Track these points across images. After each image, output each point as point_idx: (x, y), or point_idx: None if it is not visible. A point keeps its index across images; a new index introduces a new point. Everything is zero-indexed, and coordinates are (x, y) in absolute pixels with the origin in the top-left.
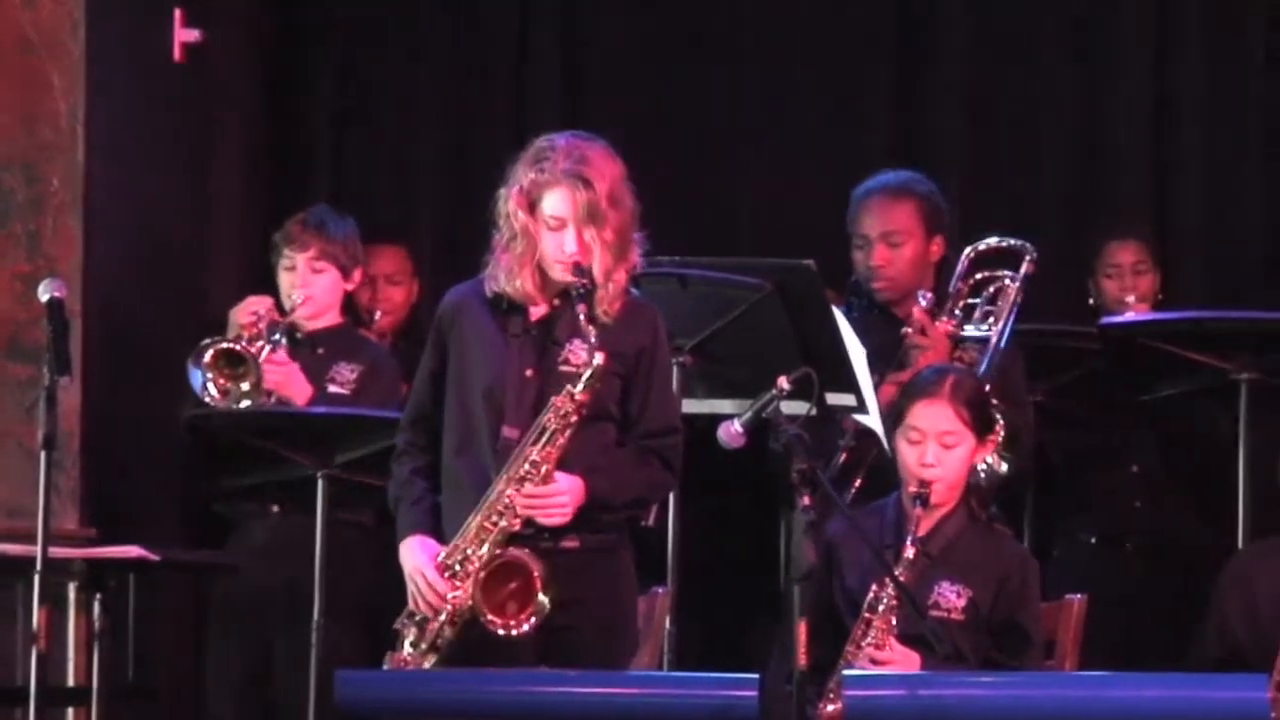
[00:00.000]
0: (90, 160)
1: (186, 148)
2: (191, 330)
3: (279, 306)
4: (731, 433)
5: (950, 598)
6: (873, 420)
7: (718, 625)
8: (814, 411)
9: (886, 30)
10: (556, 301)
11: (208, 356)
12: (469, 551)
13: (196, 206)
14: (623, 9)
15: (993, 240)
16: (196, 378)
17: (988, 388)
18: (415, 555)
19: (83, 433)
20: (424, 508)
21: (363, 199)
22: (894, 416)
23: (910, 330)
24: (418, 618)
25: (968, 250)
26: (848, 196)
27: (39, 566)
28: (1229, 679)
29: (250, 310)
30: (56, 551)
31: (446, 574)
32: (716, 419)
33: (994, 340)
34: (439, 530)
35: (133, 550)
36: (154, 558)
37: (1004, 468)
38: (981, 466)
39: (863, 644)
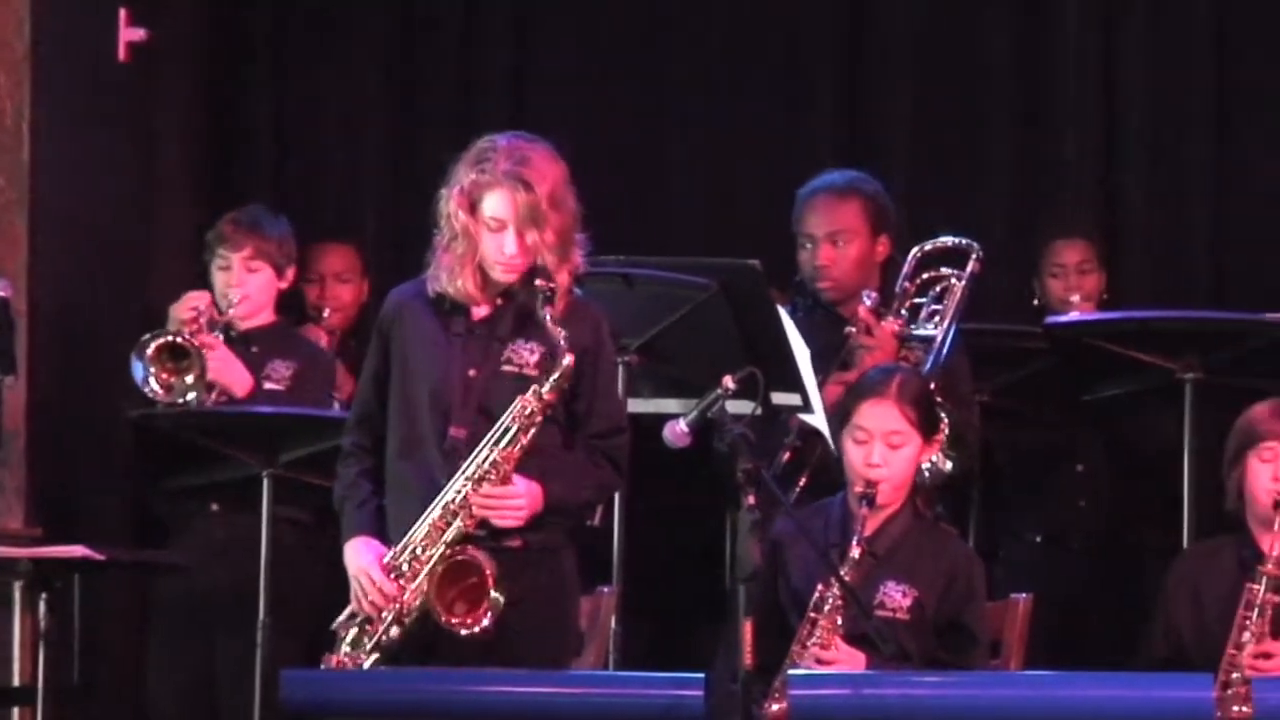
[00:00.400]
0: (35, 159)
1: (131, 146)
2: (136, 329)
3: (215, 305)
4: (677, 432)
5: (896, 597)
6: (818, 420)
7: (663, 625)
8: (759, 411)
9: (832, 30)
10: (499, 301)
11: (150, 350)
12: (418, 551)
13: (141, 205)
14: (568, 8)
15: (939, 240)
16: (139, 371)
17: (933, 385)
18: (360, 556)
19: (28, 431)
20: (369, 510)
21: (309, 197)
22: (840, 416)
23: (854, 330)
24: (359, 618)
25: (914, 251)
26: (793, 196)
27: None
28: (1174, 678)
29: (190, 305)
30: (2, 551)
31: (393, 574)
32: (662, 418)
33: (939, 338)
34: (384, 532)
35: (78, 550)
36: (100, 557)
37: (948, 466)
38: (926, 465)
39: (808, 644)
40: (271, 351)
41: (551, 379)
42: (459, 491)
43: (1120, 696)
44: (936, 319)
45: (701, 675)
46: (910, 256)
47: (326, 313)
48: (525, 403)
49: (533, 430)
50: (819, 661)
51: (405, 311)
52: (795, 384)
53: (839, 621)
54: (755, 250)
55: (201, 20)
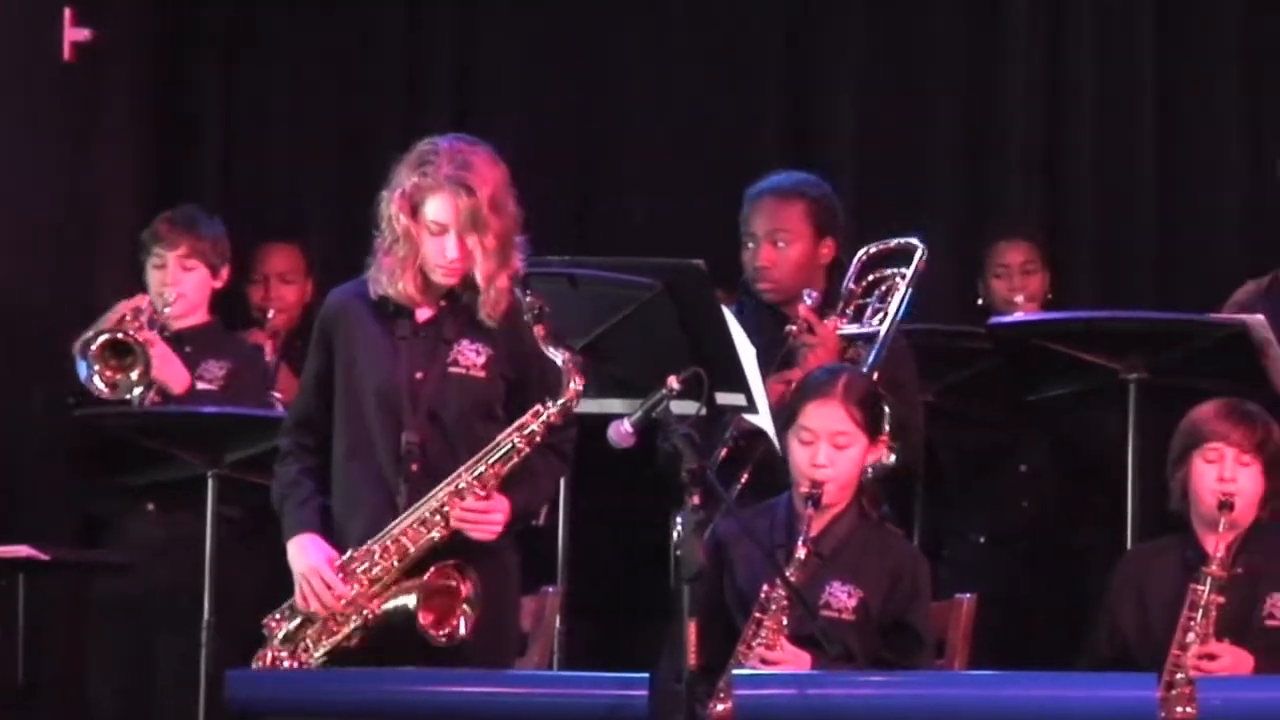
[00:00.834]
0: None
1: (75, 146)
2: (78, 329)
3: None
4: (621, 432)
5: (841, 598)
6: (763, 420)
7: (608, 625)
8: (704, 411)
9: (779, 30)
10: (442, 303)
11: (95, 348)
12: (379, 558)
13: (85, 206)
14: (512, 9)
15: (884, 242)
16: (83, 370)
17: (875, 376)
18: (308, 554)
19: None
20: (313, 507)
21: (254, 197)
22: (786, 417)
23: (795, 329)
24: (299, 617)
25: (860, 253)
26: (739, 196)
27: None
28: (1119, 678)
29: (129, 305)
30: None
31: (346, 576)
32: (607, 418)
33: (882, 333)
34: (329, 531)
35: (23, 549)
36: (44, 557)
37: (890, 458)
38: (869, 458)
39: (754, 644)
40: (205, 351)
41: (560, 402)
42: (441, 503)
43: (1064, 696)
44: (880, 316)
45: (646, 675)
46: (855, 258)
47: (271, 313)
48: (527, 424)
49: (528, 451)
50: (764, 662)
51: (348, 312)
52: (740, 384)
53: (784, 622)
54: (702, 250)
55: (148, 20)
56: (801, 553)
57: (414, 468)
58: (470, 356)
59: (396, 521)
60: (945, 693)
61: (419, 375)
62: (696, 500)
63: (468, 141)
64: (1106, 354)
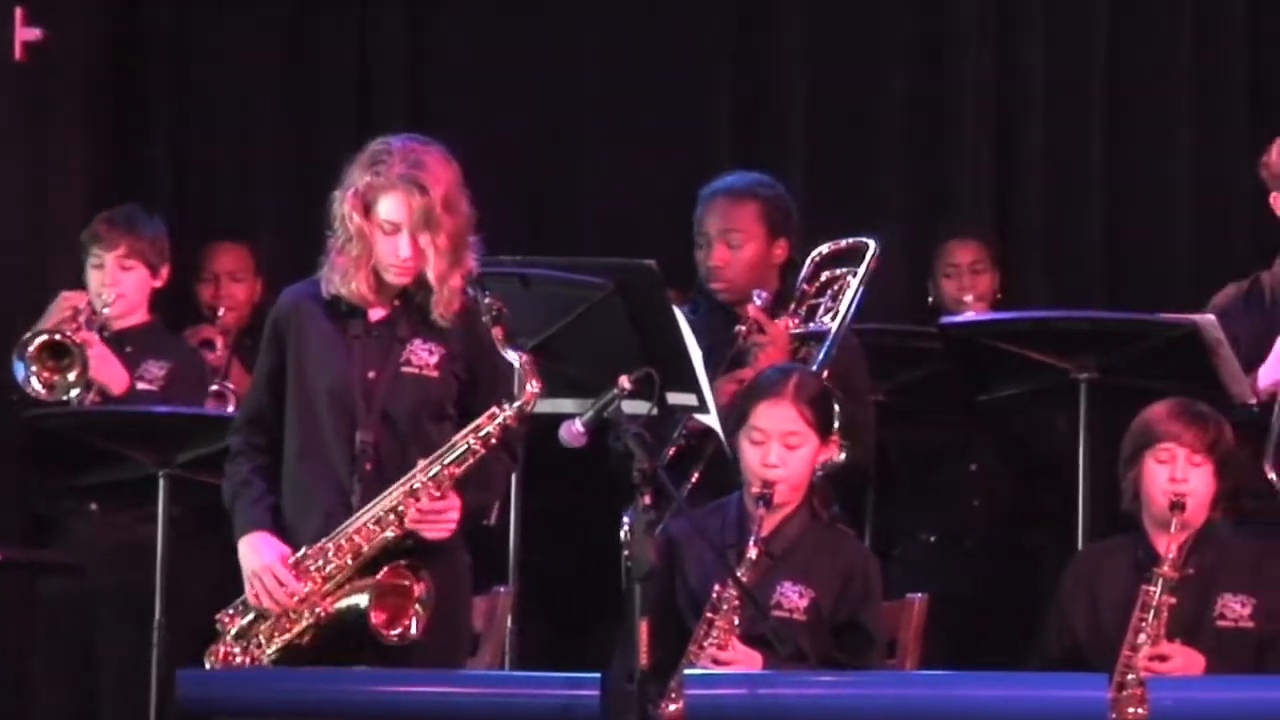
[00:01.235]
0: None
1: (26, 146)
2: (28, 328)
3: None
4: (573, 432)
5: (792, 598)
6: (713, 420)
7: (560, 625)
8: (655, 411)
9: (727, 31)
10: (396, 303)
11: (31, 349)
12: (336, 555)
13: (34, 206)
14: (464, 7)
15: (836, 242)
16: (20, 371)
17: (825, 374)
18: (261, 552)
19: None
20: (265, 506)
21: (205, 196)
22: (737, 417)
23: (744, 329)
24: (252, 613)
25: (813, 254)
26: (692, 196)
27: None
28: (1070, 678)
29: (69, 305)
30: None
31: (299, 573)
32: (558, 418)
33: (833, 331)
34: (280, 530)
35: None
36: None
37: (841, 456)
38: (820, 458)
39: (705, 644)
40: (145, 352)
41: (516, 405)
42: (396, 502)
43: (1016, 696)
44: (831, 315)
45: (597, 675)
46: (809, 259)
47: (221, 311)
48: (483, 425)
49: (483, 453)
50: (716, 662)
51: (301, 312)
52: (691, 384)
53: (736, 622)
54: (655, 250)
55: (99, 20)
56: (753, 553)
57: (368, 467)
58: (423, 356)
59: (351, 520)
60: (896, 693)
61: (372, 375)
62: (648, 500)
63: (421, 141)
64: (1057, 354)
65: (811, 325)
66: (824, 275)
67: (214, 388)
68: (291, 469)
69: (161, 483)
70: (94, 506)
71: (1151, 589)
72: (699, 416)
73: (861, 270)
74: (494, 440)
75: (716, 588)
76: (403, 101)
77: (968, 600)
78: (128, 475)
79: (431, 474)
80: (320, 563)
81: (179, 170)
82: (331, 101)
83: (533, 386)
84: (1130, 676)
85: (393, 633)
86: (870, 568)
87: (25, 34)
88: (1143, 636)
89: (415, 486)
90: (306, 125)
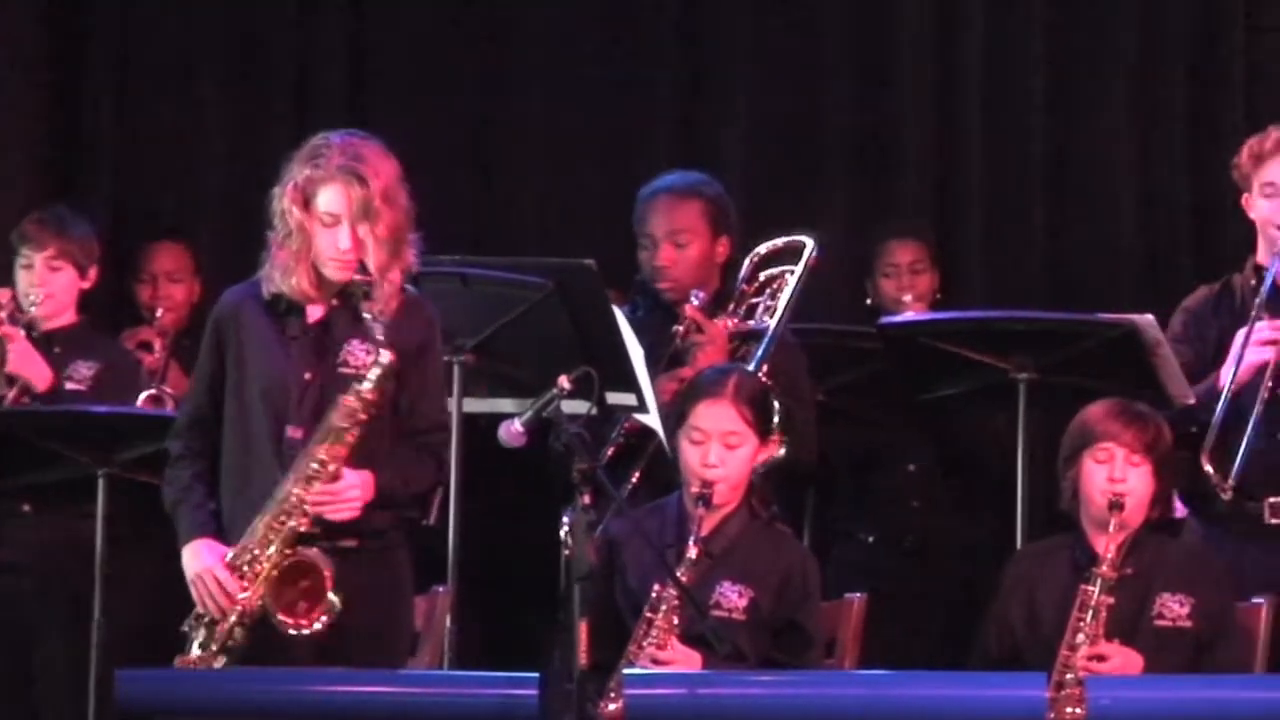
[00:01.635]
0: None
1: None
2: None
3: (17, 305)
4: (512, 432)
5: (732, 598)
6: (653, 420)
7: (499, 625)
8: (595, 411)
9: (671, 30)
10: (335, 302)
11: None
12: (256, 552)
13: None
14: (403, 8)
15: (774, 242)
16: None
17: (765, 369)
18: (202, 557)
19: None
20: (206, 512)
21: (144, 196)
22: (676, 417)
23: (681, 329)
24: (206, 619)
25: (751, 254)
26: (633, 196)
27: None
28: (1008, 677)
29: None
30: None
31: (235, 575)
32: (498, 418)
33: (771, 327)
34: (221, 534)
35: None
36: None
37: (780, 451)
38: (760, 458)
39: (644, 643)
40: (74, 352)
41: (373, 377)
42: (291, 492)
43: (954, 696)
44: (770, 313)
45: (537, 675)
46: (748, 259)
47: (159, 312)
48: (348, 402)
49: (358, 428)
50: (655, 661)
51: (240, 313)
52: (631, 384)
53: (675, 621)
54: (594, 250)
55: (40, 21)
56: (692, 552)
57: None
58: (360, 356)
59: (259, 517)
60: (835, 692)
61: (308, 376)
62: (587, 500)
63: (360, 135)
64: (996, 354)
65: (751, 323)
66: (763, 275)
67: (150, 391)
68: (229, 470)
69: (100, 482)
70: (26, 508)
71: (1090, 589)
72: (639, 416)
73: (799, 268)
74: (362, 414)
75: (656, 587)
76: (341, 102)
77: (906, 600)
78: (64, 475)
79: (318, 458)
80: (247, 558)
81: (118, 170)
82: (270, 101)
83: (386, 358)
84: (1069, 676)
85: (300, 623)
86: (809, 567)
87: None
88: (1081, 636)
89: (308, 474)
90: (245, 125)
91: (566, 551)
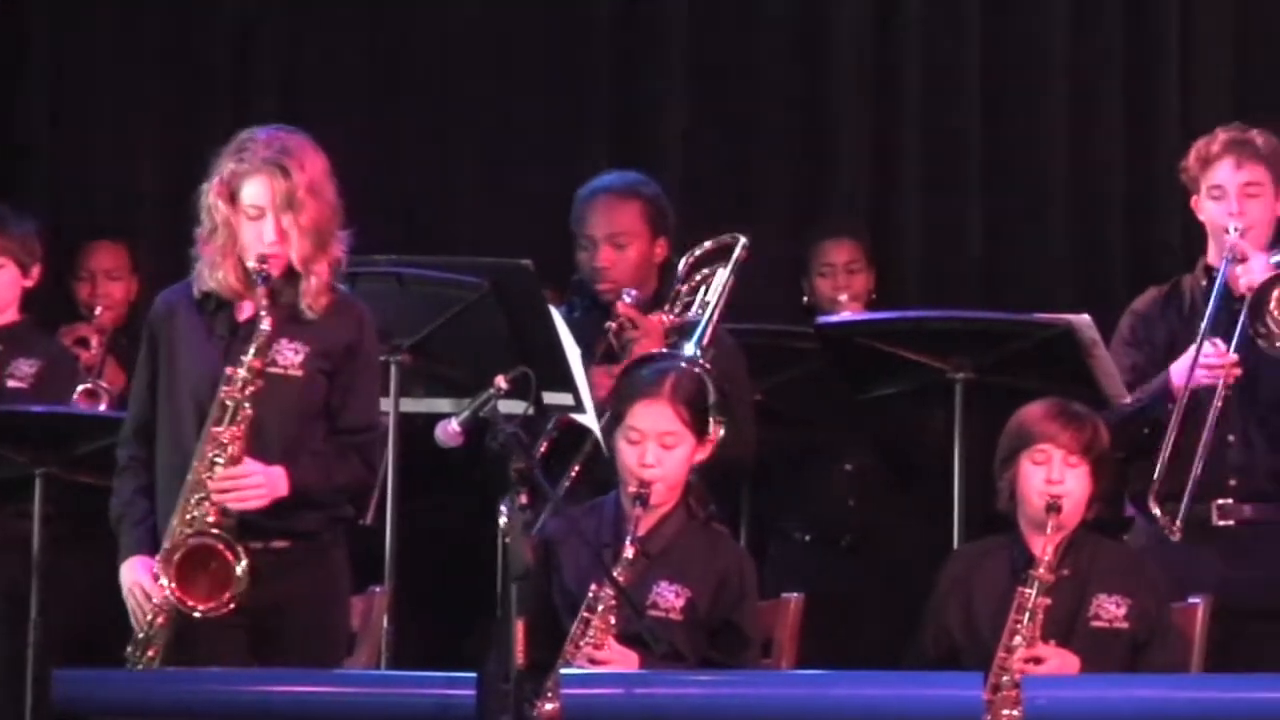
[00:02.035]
0: None
1: None
2: None
3: None
4: (449, 432)
5: (669, 597)
6: (589, 420)
7: (436, 625)
8: (531, 411)
9: (606, 29)
10: (264, 300)
11: None
12: (168, 548)
13: None
14: (343, 5)
15: (707, 243)
16: None
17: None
18: (133, 572)
19: None
20: (146, 528)
21: (82, 195)
22: (614, 416)
23: (614, 325)
24: (140, 639)
25: (688, 254)
26: (568, 195)
27: None
28: (945, 677)
29: None
30: None
31: (157, 581)
32: (434, 418)
33: (705, 315)
34: (159, 546)
35: None
36: None
37: (721, 430)
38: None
39: (581, 643)
40: (16, 350)
41: (256, 345)
42: (194, 479)
43: (891, 696)
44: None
45: (474, 675)
46: (683, 261)
47: (98, 310)
48: (232, 373)
49: (249, 402)
50: (592, 661)
51: (172, 314)
52: (567, 384)
53: (612, 621)
54: (532, 250)
55: None
56: (629, 552)
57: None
58: (288, 355)
59: (175, 513)
60: (772, 692)
61: (228, 369)
62: (524, 499)
63: (287, 130)
64: (933, 353)
65: (689, 316)
66: (698, 275)
67: (86, 385)
68: (163, 470)
69: (38, 482)
70: None
71: (1027, 591)
72: (576, 416)
73: (732, 260)
74: (250, 387)
75: (593, 587)
76: (277, 100)
77: (843, 600)
78: (2, 475)
79: (218, 440)
80: (164, 561)
81: (56, 168)
82: (208, 101)
83: (265, 326)
84: (1006, 678)
85: (205, 607)
86: (746, 567)
87: None
88: (1018, 638)
89: (209, 456)
90: (183, 124)
91: (503, 551)
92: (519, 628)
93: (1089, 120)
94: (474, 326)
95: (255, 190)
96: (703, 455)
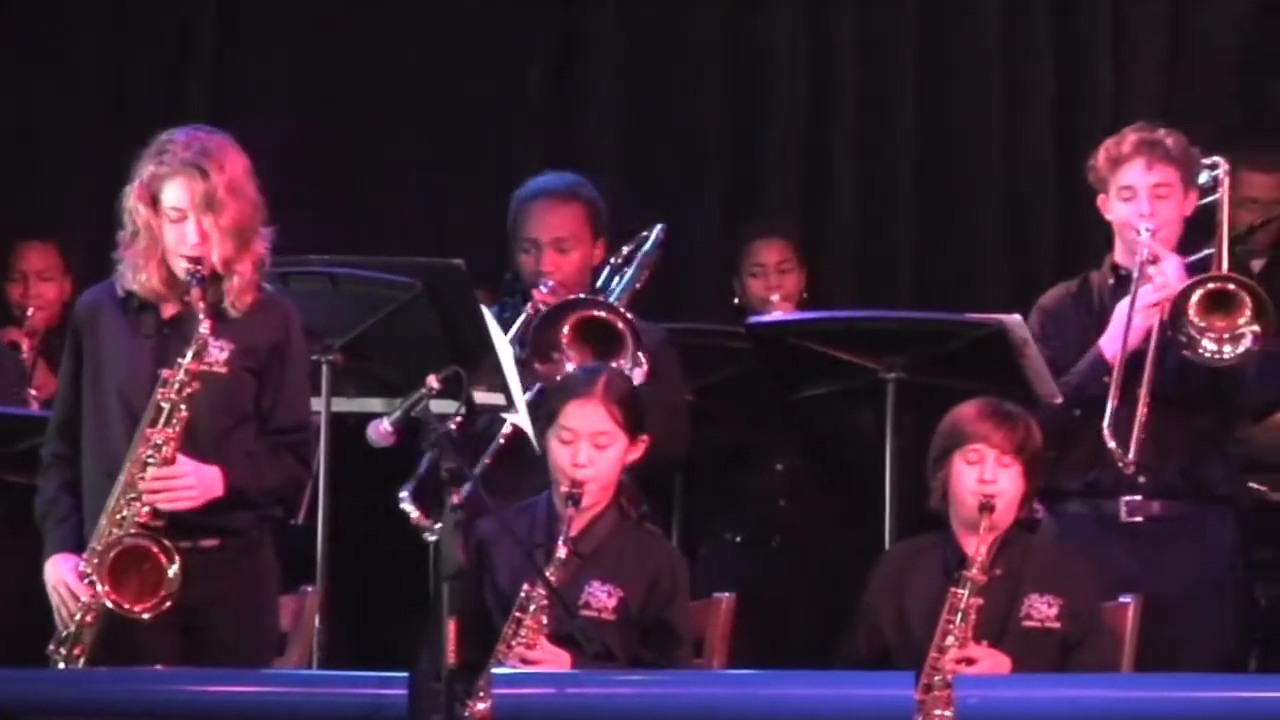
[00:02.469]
0: None
1: None
2: None
3: None
4: (381, 431)
5: (601, 597)
6: (521, 420)
7: (368, 624)
8: (464, 410)
9: (535, 27)
10: (188, 299)
11: None
12: (100, 549)
13: None
14: (273, 3)
15: (628, 246)
16: None
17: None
18: (57, 570)
19: None
20: (70, 525)
21: (14, 195)
22: (546, 416)
23: (529, 309)
24: (64, 636)
25: (615, 255)
26: (501, 194)
27: None
28: (876, 677)
29: None
30: None
31: (86, 580)
32: (366, 417)
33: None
34: (83, 544)
35: None
36: None
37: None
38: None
39: (513, 643)
40: None
41: (194, 348)
42: (127, 479)
43: (823, 695)
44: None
45: (405, 674)
46: (611, 260)
47: (30, 311)
48: (169, 376)
49: (185, 404)
50: (524, 661)
51: (97, 313)
52: (499, 384)
53: (544, 621)
54: (464, 250)
55: None
56: (562, 552)
57: None
58: (213, 353)
59: (104, 511)
60: (703, 691)
61: (165, 374)
62: (455, 499)
63: (206, 130)
64: (865, 353)
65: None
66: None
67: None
68: (88, 471)
69: None
70: None
71: (959, 591)
72: (508, 416)
73: (649, 245)
74: (187, 388)
75: (525, 587)
76: (209, 99)
77: (775, 600)
78: None
79: (154, 443)
80: (95, 561)
81: None
82: (141, 101)
83: (204, 329)
84: (938, 678)
85: (139, 608)
86: (678, 567)
87: None
88: (950, 638)
89: (143, 458)
90: (116, 124)
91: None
92: (451, 627)
93: (1020, 120)
94: (406, 326)
95: (175, 192)
96: (635, 455)
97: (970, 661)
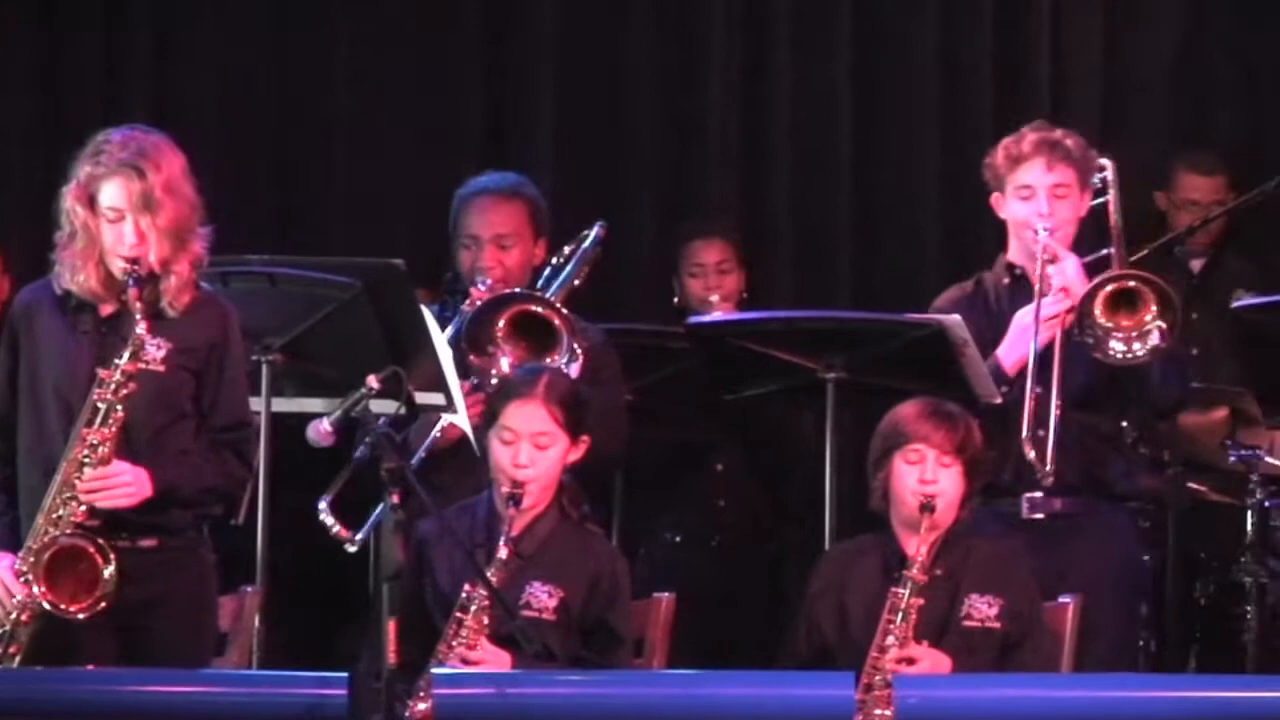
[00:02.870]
0: None
1: None
2: None
3: None
4: (321, 431)
5: (542, 598)
6: (461, 419)
7: (308, 624)
8: (403, 410)
9: (474, 26)
10: (125, 298)
11: None
12: (36, 548)
13: None
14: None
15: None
16: None
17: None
18: None
19: None
20: (5, 524)
21: None
22: (487, 416)
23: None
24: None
25: (557, 254)
26: (441, 193)
27: None
28: (816, 677)
29: None
30: None
31: (21, 579)
32: (306, 417)
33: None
34: (18, 542)
35: None
36: None
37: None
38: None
39: (454, 643)
40: None
41: (130, 349)
42: (63, 479)
43: (763, 695)
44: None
45: (345, 674)
46: (553, 260)
47: None
48: (106, 376)
49: (121, 405)
50: (464, 661)
51: (33, 311)
52: (439, 383)
53: (485, 621)
54: (404, 249)
55: None
56: (503, 552)
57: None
58: (150, 351)
59: (40, 511)
60: (644, 691)
61: (102, 373)
62: (395, 499)
63: (143, 130)
64: (804, 353)
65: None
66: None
67: None
68: (24, 469)
69: None
70: None
71: (900, 591)
72: (447, 416)
73: (588, 242)
74: (123, 390)
75: (466, 587)
76: (150, 98)
77: (714, 599)
78: None
79: (90, 443)
80: (31, 560)
81: None
82: (80, 99)
83: (140, 329)
84: (878, 678)
85: (74, 608)
86: (618, 567)
87: None
88: (891, 638)
89: (76, 458)
90: (55, 122)
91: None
92: (391, 627)
93: (959, 119)
94: (346, 326)
95: (112, 193)
96: (576, 455)
97: (911, 661)
